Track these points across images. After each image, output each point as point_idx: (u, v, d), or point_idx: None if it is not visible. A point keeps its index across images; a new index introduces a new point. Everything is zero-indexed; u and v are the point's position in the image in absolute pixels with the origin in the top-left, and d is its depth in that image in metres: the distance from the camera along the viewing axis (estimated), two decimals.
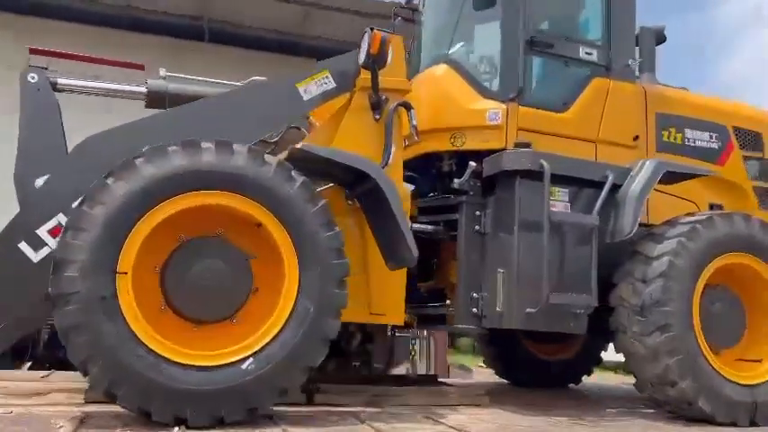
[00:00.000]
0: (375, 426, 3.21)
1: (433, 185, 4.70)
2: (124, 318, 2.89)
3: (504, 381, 6.01)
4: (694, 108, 4.93)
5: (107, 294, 2.86)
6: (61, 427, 2.76)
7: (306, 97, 3.89)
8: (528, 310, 3.91)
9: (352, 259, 3.81)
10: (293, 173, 3.25)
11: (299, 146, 3.45)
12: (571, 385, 5.91)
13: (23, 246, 3.32)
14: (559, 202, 4.08)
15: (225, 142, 3.16)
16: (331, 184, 3.85)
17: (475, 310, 4.17)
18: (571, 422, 3.76)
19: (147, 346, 2.92)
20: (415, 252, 3.47)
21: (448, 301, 4.37)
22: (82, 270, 2.83)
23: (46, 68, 3.84)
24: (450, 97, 4.47)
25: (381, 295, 3.99)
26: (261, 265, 3.30)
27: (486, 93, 4.42)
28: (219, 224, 3.26)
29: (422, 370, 8.66)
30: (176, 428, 2.86)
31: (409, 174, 4.65)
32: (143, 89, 4.03)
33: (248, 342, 3.10)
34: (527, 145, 4.11)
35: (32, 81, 3.73)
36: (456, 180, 4.30)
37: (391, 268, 3.75)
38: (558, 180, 4.04)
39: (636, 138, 4.61)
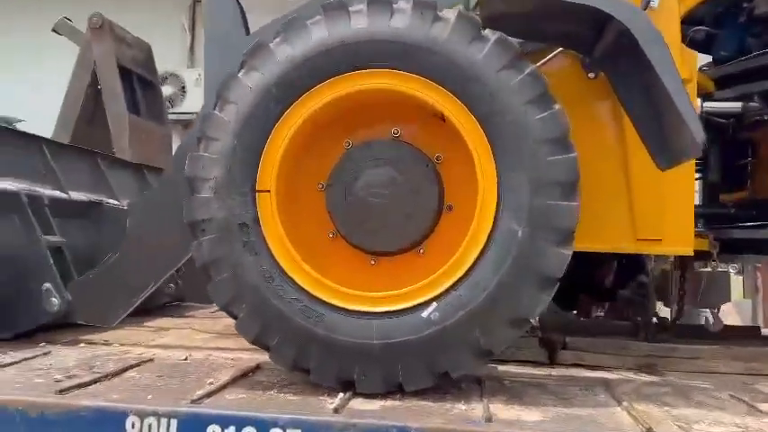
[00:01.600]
0: (638, 411, 2.03)
1: (739, 41, 3.05)
2: (269, 249, 2.23)
3: None
4: None
5: (247, 220, 2.23)
6: (211, 382, 2.25)
7: None
8: None
9: (603, 159, 2.62)
10: (481, 30, 2.15)
11: None
12: None
13: None
14: None
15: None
16: (559, 50, 2.61)
17: None
18: None
19: (300, 285, 2.22)
20: (701, 137, 2.07)
21: None
22: (216, 190, 2.23)
23: None
24: None
25: (655, 212, 2.66)
26: (454, 173, 2.33)
27: None
28: (394, 121, 2.37)
29: (740, 318, 6.67)
30: (341, 394, 2.13)
31: (697, 28, 3.09)
32: None
33: (433, 280, 2.18)
34: None
35: None
36: None
37: (662, 167, 2.39)
38: None
39: None
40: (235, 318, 2.28)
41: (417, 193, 2.29)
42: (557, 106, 2.10)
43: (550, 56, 2.59)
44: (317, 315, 2.18)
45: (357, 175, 2.33)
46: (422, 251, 2.36)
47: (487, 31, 2.16)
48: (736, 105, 2.88)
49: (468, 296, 2.09)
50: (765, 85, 2.78)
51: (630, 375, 2.63)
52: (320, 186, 2.41)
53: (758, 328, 3.38)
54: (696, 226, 2.82)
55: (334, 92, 2.24)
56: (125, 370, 2.42)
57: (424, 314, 2.12)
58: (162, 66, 6.00)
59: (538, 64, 2.48)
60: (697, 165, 3.18)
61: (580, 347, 2.83)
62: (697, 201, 3.27)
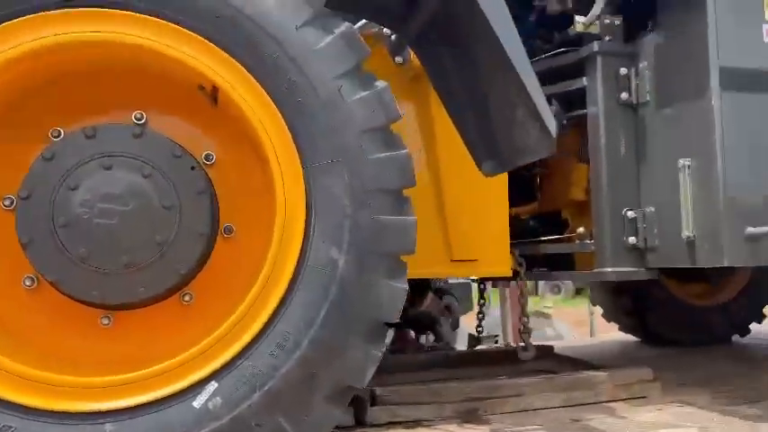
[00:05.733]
0: None
1: (528, 42, 2.84)
2: None
3: (624, 338, 4.28)
4: None
5: None
6: None
7: None
8: (751, 230, 2.09)
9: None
10: None
11: None
12: (735, 339, 4.09)
13: None
14: None
15: None
16: (362, 23, 2.04)
17: (632, 239, 2.38)
18: None
19: None
20: (554, 130, 1.67)
21: (581, 229, 2.57)
22: None
23: None
24: None
25: (468, 229, 2.25)
26: (234, 180, 1.60)
27: None
28: (138, 99, 1.55)
29: (494, 326, 6.97)
30: None
31: None
32: None
33: (207, 346, 1.40)
34: None
35: None
36: (579, 19, 2.45)
37: (488, 171, 1.97)
38: None
39: None
40: None
41: (175, 209, 1.48)
42: (380, 84, 1.50)
43: None
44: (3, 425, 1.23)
45: (74, 182, 1.45)
46: (188, 299, 1.56)
47: None
48: None
49: (267, 366, 1.36)
50: (563, 87, 2.57)
51: (453, 429, 2.14)
52: (6, 202, 1.47)
53: (551, 347, 3.26)
54: None
55: (27, 41, 1.34)
56: None
57: (197, 403, 1.32)
58: None
59: None
60: None
61: (392, 400, 2.26)
62: None
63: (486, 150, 1.93)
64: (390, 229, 1.45)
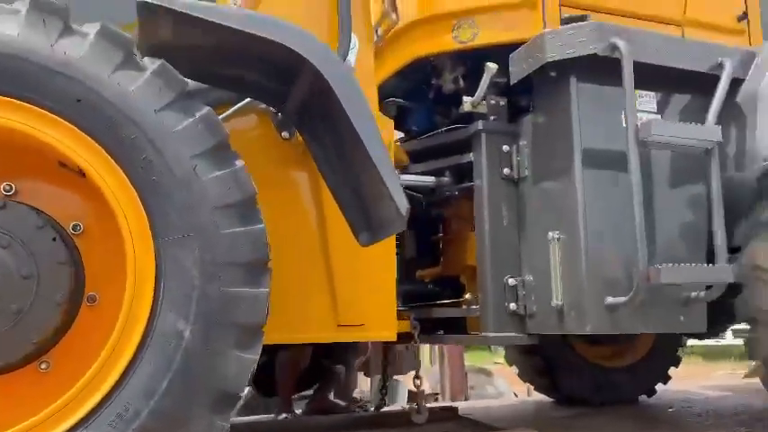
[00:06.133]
0: None
1: (430, 116, 3.04)
2: None
3: (546, 398, 4.37)
4: None
5: None
6: None
7: None
8: (610, 300, 2.24)
9: (299, 236, 2.23)
10: (136, 57, 1.59)
11: None
12: (642, 399, 4.23)
13: None
14: (642, 112, 2.40)
15: None
16: (247, 100, 2.17)
17: (513, 306, 2.51)
18: None
19: None
20: (405, 208, 1.79)
21: (468, 296, 2.70)
22: None
23: None
24: None
25: (355, 294, 2.34)
26: (101, 250, 1.66)
27: None
28: (7, 172, 1.63)
29: (428, 383, 7.01)
30: None
31: (390, 100, 3.00)
32: None
33: (51, 414, 1.43)
34: (583, 19, 2.44)
35: None
36: (467, 99, 2.65)
37: (364, 242, 2.08)
38: (637, 76, 2.35)
39: (743, 17, 2.94)
40: None
41: (33, 279, 1.54)
42: (239, 163, 1.61)
43: (235, 107, 2.14)
44: None
45: None
46: (44, 367, 1.59)
47: (145, 59, 1.60)
48: (430, 180, 2.80)
49: None
50: (455, 160, 2.74)
51: None
52: None
53: (456, 409, 3.32)
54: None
55: None
56: None
57: None
58: None
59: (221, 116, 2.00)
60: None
61: None
62: None
63: (361, 221, 2.05)
64: (240, 300, 1.53)
